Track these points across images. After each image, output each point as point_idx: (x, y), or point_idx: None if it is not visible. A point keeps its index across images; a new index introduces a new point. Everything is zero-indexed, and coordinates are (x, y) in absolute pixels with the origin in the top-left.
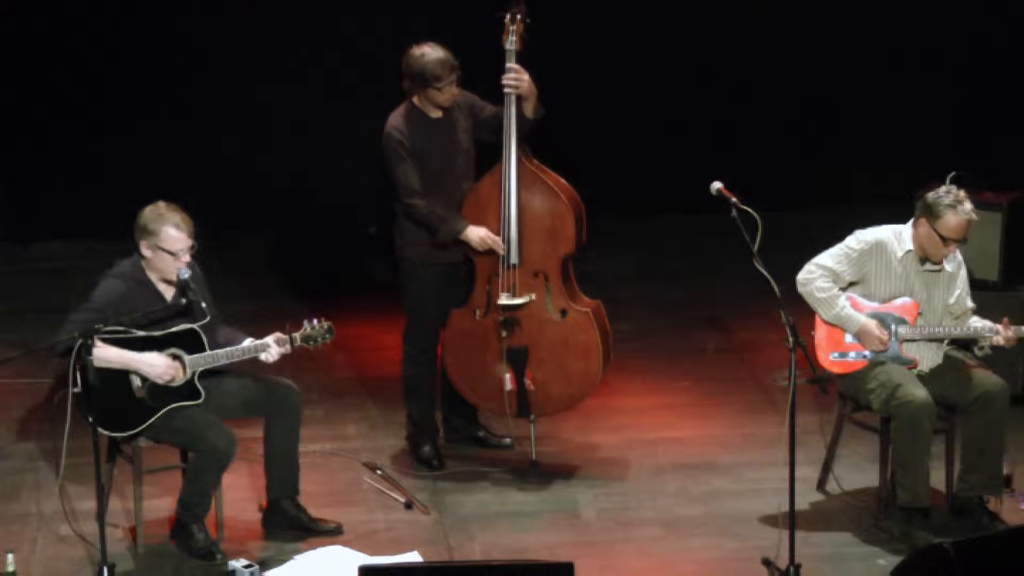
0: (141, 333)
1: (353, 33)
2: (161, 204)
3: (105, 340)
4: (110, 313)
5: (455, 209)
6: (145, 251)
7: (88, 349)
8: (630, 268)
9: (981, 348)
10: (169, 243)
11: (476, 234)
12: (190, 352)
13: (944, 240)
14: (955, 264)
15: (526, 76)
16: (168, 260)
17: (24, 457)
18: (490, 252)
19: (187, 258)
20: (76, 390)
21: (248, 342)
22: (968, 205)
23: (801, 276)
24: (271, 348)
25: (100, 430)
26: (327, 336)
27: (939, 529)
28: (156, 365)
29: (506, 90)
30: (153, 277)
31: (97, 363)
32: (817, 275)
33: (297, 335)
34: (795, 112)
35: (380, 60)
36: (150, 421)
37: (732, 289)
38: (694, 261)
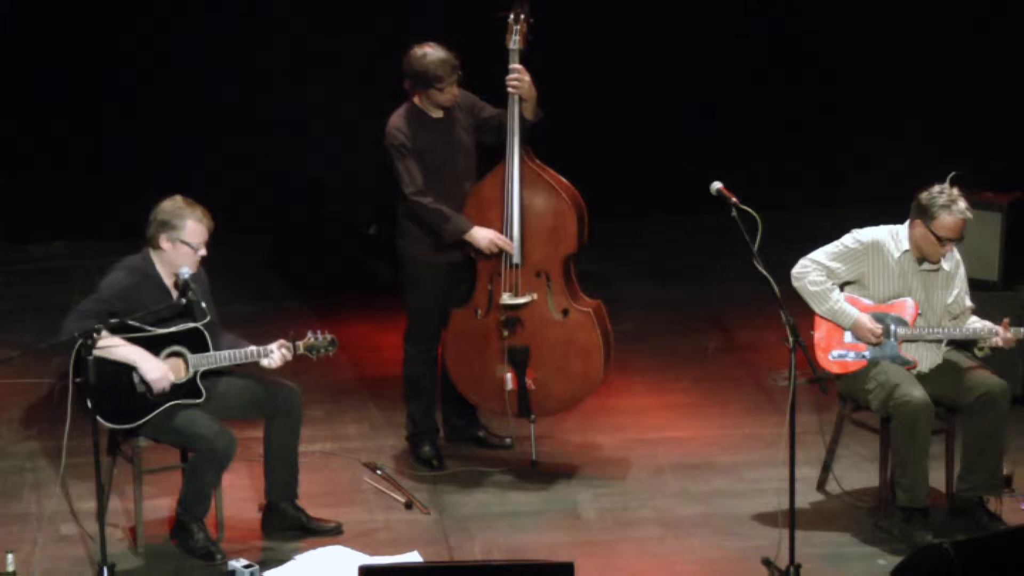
0: (146, 330)
1: (353, 33)
2: (179, 198)
3: (111, 333)
4: (117, 305)
5: (459, 209)
6: (164, 244)
7: (88, 349)
8: (630, 268)
9: (981, 349)
10: (190, 236)
11: (483, 235)
12: (194, 351)
13: (940, 240)
14: (953, 263)
15: (528, 77)
16: (188, 253)
17: (24, 457)
18: (496, 254)
19: (204, 251)
20: (78, 380)
21: (252, 348)
22: (962, 203)
23: (795, 270)
24: (274, 354)
25: (100, 420)
26: (330, 348)
27: (939, 529)
28: (154, 371)
29: (509, 90)
30: (163, 272)
31: (103, 352)
32: (811, 269)
33: (300, 344)
34: (796, 111)
35: (380, 60)
36: (150, 416)
37: (732, 289)
38: (694, 261)
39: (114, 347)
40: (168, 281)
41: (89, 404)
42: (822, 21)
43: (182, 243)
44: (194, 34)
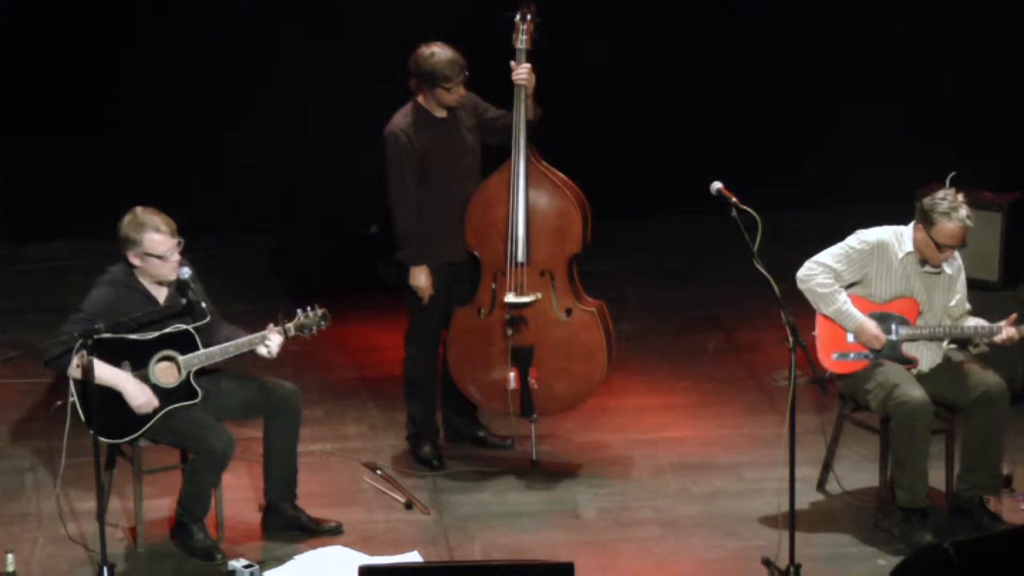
0: (134, 336)
1: (354, 32)
2: (137, 210)
3: (98, 344)
4: (101, 321)
5: (461, 209)
6: (134, 260)
7: (89, 351)
8: (630, 268)
9: (976, 346)
10: (154, 247)
11: (419, 278)
12: (184, 352)
13: (939, 246)
14: (955, 268)
15: (534, 76)
16: (159, 264)
17: (24, 457)
18: (493, 252)
19: (177, 258)
20: (73, 399)
21: (244, 338)
22: (964, 211)
23: (801, 273)
24: (268, 340)
25: (100, 438)
26: (322, 323)
27: (939, 529)
28: (137, 397)
29: (518, 81)
30: (145, 281)
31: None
32: (818, 271)
33: (291, 325)
34: (795, 111)
35: (381, 59)
36: (148, 424)
37: (732, 289)
38: (694, 261)
39: (98, 373)
40: (152, 289)
41: (91, 431)
42: (823, 21)
43: (149, 256)
44: (194, 34)
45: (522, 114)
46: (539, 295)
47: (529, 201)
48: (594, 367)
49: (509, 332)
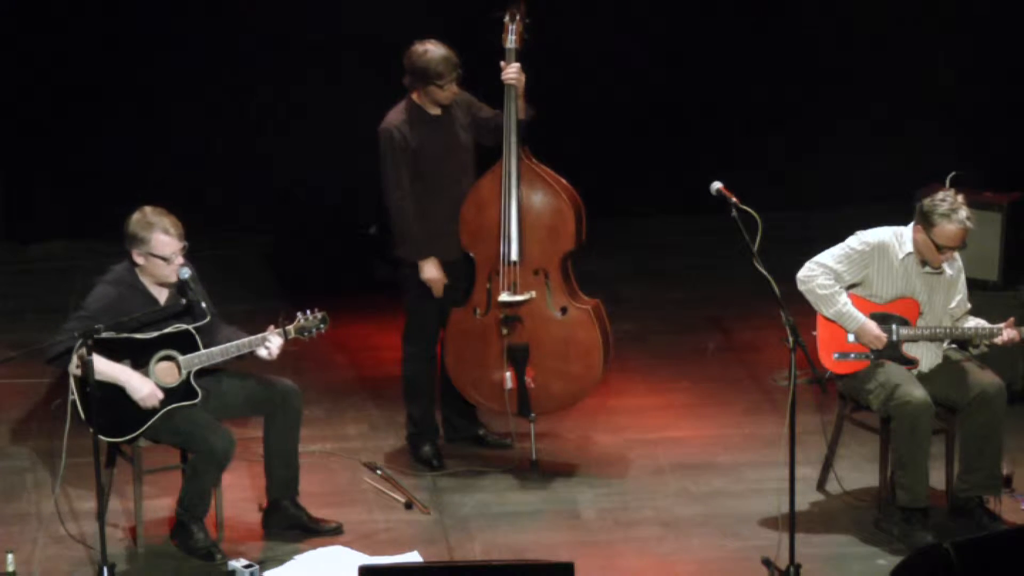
0: (135, 336)
1: (354, 31)
2: (147, 210)
3: (99, 344)
4: (103, 320)
5: (456, 206)
6: (137, 259)
7: (89, 350)
8: (630, 268)
9: (976, 347)
10: (160, 248)
11: (429, 271)
12: (184, 353)
13: (939, 248)
14: (956, 268)
15: (523, 76)
16: (161, 265)
17: (24, 457)
18: (487, 252)
19: (180, 261)
20: (73, 398)
21: (245, 339)
22: (964, 213)
23: (802, 274)
24: (268, 341)
25: (100, 436)
26: (321, 326)
27: (939, 529)
28: (140, 390)
29: (508, 82)
30: (146, 281)
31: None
32: (819, 273)
33: (291, 327)
34: (795, 111)
35: (380, 58)
36: (148, 423)
37: (732, 289)
38: (694, 261)
39: (99, 367)
40: (154, 289)
41: (91, 430)
42: (822, 20)
43: (153, 257)
44: (193, 35)
45: (513, 113)
46: (533, 293)
47: (521, 200)
48: (591, 365)
49: (505, 331)
